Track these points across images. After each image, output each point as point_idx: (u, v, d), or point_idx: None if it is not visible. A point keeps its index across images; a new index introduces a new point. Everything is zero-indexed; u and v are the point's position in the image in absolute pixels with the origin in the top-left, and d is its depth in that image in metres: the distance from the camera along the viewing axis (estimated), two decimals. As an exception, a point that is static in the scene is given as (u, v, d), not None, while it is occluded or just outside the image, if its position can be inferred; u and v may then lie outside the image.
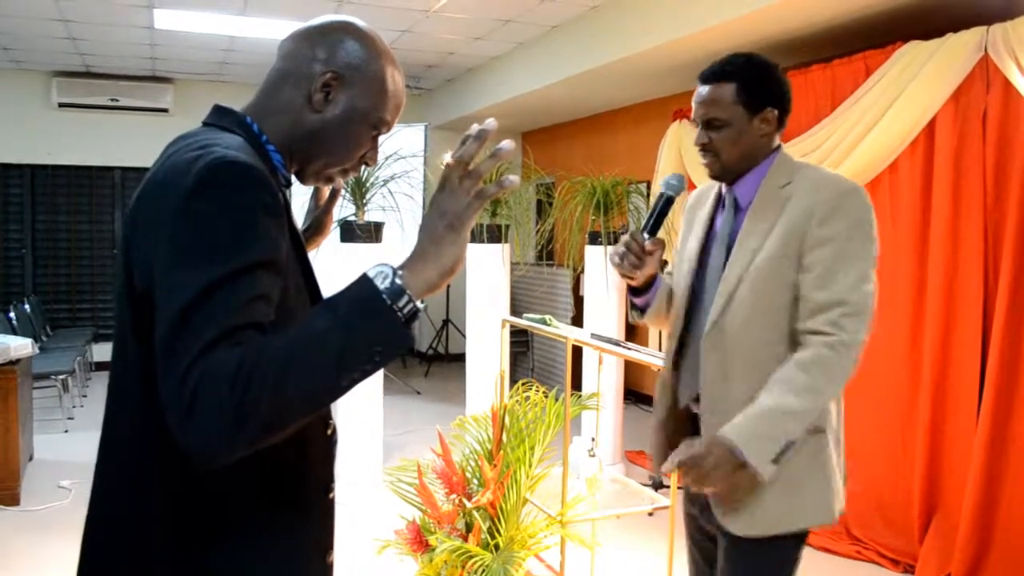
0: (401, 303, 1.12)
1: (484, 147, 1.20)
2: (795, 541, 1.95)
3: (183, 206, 1.11)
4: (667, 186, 2.04)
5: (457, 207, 1.18)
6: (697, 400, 2.01)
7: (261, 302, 1.11)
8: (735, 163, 1.97)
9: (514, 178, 1.21)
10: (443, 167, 1.21)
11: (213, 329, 1.05)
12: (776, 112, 1.96)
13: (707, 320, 1.96)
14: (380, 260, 1.18)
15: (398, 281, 1.13)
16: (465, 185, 1.19)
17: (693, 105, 2.01)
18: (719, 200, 2.09)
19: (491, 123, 1.20)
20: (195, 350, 1.03)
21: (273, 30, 6.39)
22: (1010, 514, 3.64)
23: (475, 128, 1.20)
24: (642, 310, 2.18)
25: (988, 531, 3.71)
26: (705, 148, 1.98)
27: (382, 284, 1.12)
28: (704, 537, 2.13)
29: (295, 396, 1.07)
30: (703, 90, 1.97)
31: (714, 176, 2.03)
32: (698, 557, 2.20)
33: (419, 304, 1.14)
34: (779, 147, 2.02)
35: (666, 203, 2.02)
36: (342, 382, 1.11)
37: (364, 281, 1.13)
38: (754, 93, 1.93)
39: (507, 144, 1.21)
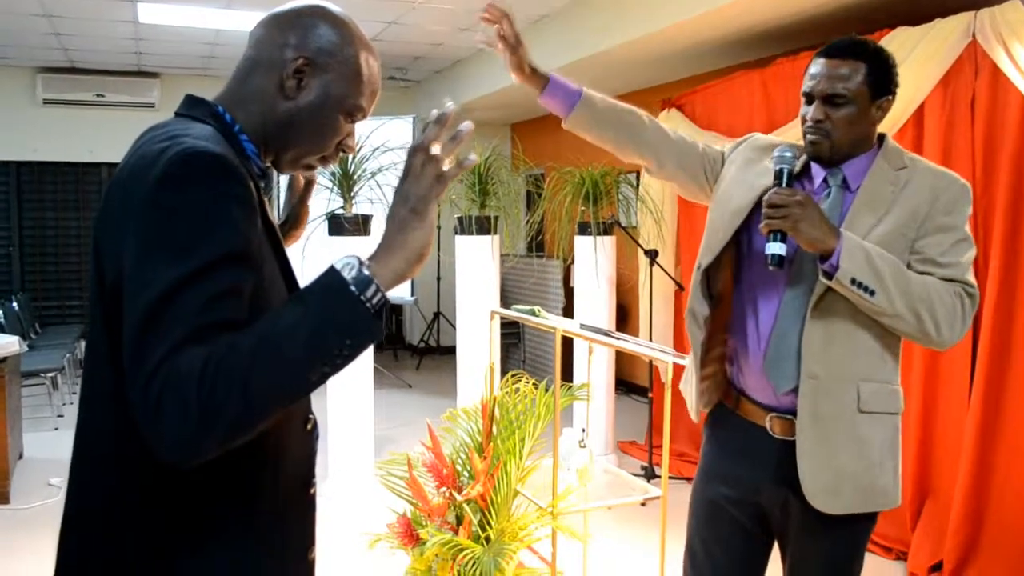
0: (369, 293, 1.11)
1: (446, 131, 1.20)
2: (872, 522, 2.01)
3: (151, 198, 1.09)
4: (782, 160, 1.90)
5: (420, 191, 1.18)
6: (795, 392, 1.91)
7: (230, 298, 1.08)
8: (845, 147, 1.90)
9: (473, 157, 1.23)
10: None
11: (180, 329, 1.03)
12: (890, 102, 1.93)
13: (810, 291, 1.89)
14: (352, 252, 1.16)
15: (365, 271, 1.12)
16: (427, 170, 1.18)
17: (811, 78, 1.90)
18: (806, 174, 2.00)
19: (450, 106, 1.20)
20: (162, 350, 1.02)
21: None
22: (1001, 500, 3.64)
23: (435, 113, 1.20)
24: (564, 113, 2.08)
25: (979, 517, 3.71)
26: (819, 125, 1.88)
27: (349, 275, 1.11)
28: (751, 517, 2.05)
29: (264, 393, 1.05)
30: (829, 63, 1.88)
31: (818, 158, 1.94)
32: (733, 539, 2.09)
33: (388, 294, 1.13)
34: (884, 136, 1.98)
35: (789, 176, 1.89)
36: (312, 377, 1.09)
37: (331, 273, 1.12)
38: (881, 78, 1.88)
39: (466, 125, 1.20)
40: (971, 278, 1.89)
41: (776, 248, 1.84)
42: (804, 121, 1.92)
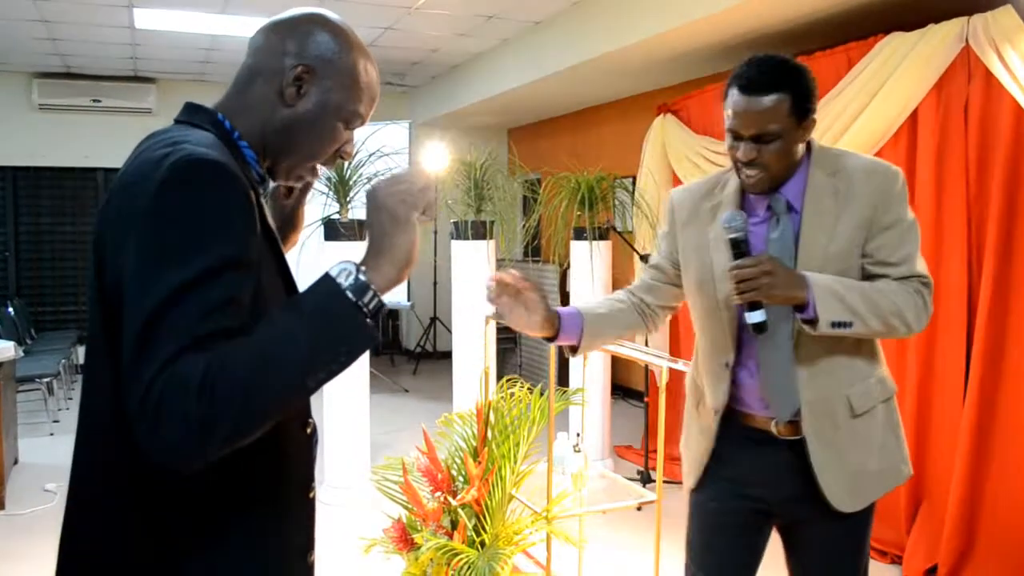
0: (367, 299, 1.12)
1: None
2: (873, 506, 2.06)
3: (151, 205, 1.10)
4: (732, 229, 1.88)
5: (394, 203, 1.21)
6: (797, 414, 1.96)
7: (230, 306, 1.09)
8: (781, 175, 1.91)
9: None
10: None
11: (179, 337, 1.03)
12: (815, 120, 1.91)
13: (787, 335, 1.94)
14: (347, 258, 1.18)
15: (362, 277, 1.13)
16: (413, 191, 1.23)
17: (735, 116, 1.85)
18: (742, 204, 2.01)
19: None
20: (161, 359, 1.02)
21: (255, 28, 6.33)
22: (996, 504, 3.65)
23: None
24: (572, 348, 2.05)
25: (974, 521, 3.72)
26: (752, 162, 1.87)
27: (345, 282, 1.12)
28: (754, 511, 2.08)
29: (262, 401, 1.06)
30: (752, 101, 1.82)
31: (758, 191, 1.93)
32: (730, 533, 2.12)
33: (384, 299, 1.15)
34: (810, 141, 1.98)
35: (745, 244, 1.88)
36: (309, 383, 1.10)
37: (327, 280, 1.13)
38: (804, 102, 1.85)
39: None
40: (922, 267, 1.96)
41: (757, 317, 1.87)
42: (734, 156, 1.90)
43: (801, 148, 1.93)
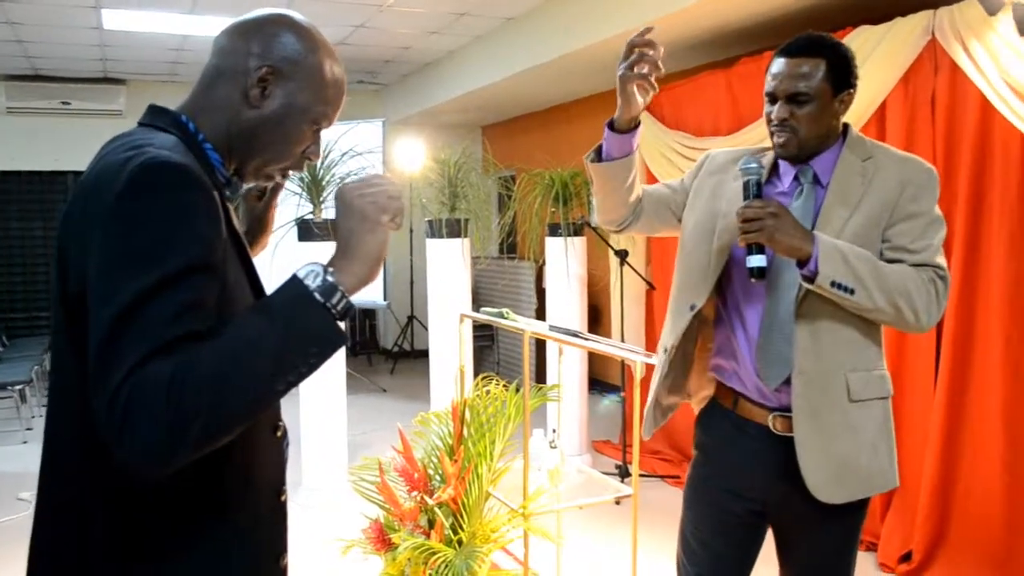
0: (335, 300, 1.12)
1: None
2: (866, 507, 2.06)
3: (114, 209, 1.09)
4: (748, 172, 1.93)
5: (366, 207, 1.21)
6: (787, 383, 1.95)
7: (195, 309, 1.08)
8: (811, 142, 1.95)
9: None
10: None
11: (145, 341, 1.03)
12: (852, 95, 1.97)
13: (792, 294, 1.94)
14: (316, 260, 1.17)
15: (330, 279, 1.13)
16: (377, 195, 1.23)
17: (773, 78, 1.95)
18: (775, 174, 2.06)
19: None
20: (128, 363, 1.02)
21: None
22: (968, 491, 3.70)
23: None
24: (609, 158, 2.09)
25: (947, 508, 3.77)
26: (784, 123, 1.94)
27: (314, 283, 1.12)
28: (748, 510, 2.09)
29: (232, 403, 1.06)
30: (789, 63, 1.92)
31: (786, 155, 1.98)
32: (729, 529, 2.12)
33: (358, 298, 1.15)
34: (848, 126, 2.03)
35: (757, 187, 1.93)
36: (278, 386, 1.10)
37: (294, 282, 1.12)
38: (841, 73, 1.93)
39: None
40: (941, 260, 1.96)
41: (756, 261, 1.89)
42: (769, 120, 1.97)
43: (837, 126, 1.99)
